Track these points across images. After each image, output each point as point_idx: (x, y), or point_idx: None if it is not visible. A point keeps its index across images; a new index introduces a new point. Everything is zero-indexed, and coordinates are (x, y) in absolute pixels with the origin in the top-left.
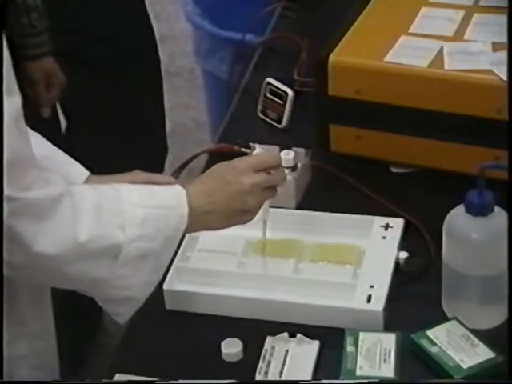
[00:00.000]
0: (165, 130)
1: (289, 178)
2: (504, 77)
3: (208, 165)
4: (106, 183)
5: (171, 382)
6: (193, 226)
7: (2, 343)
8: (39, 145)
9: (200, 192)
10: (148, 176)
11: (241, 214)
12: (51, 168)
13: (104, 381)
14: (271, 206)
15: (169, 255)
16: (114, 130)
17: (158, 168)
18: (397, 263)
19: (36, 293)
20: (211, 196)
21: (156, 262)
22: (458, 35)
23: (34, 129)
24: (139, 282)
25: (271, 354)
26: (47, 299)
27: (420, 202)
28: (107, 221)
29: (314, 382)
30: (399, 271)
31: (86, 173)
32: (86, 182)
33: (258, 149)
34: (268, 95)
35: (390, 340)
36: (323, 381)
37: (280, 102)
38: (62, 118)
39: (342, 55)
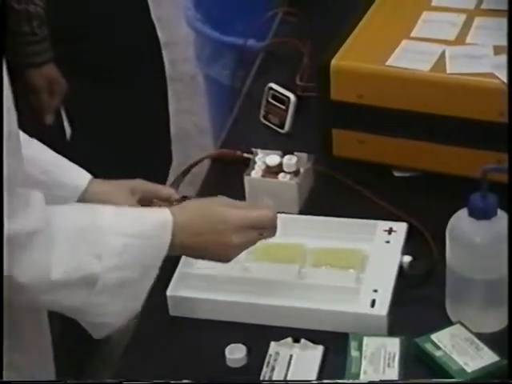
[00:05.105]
0: (169, 137)
1: (291, 182)
2: (506, 80)
3: (210, 170)
4: (106, 189)
5: (172, 382)
6: (171, 253)
7: (2, 344)
8: (41, 152)
9: (187, 228)
10: (149, 187)
11: (220, 258)
12: (54, 175)
13: (101, 381)
14: None
15: (148, 282)
16: (119, 137)
17: (162, 174)
18: (400, 267)
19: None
20: (197, 236)
21: (134, 289)
22: (460, 39)
23: (39, 136)
24: (116, 309)
25: (275, 360)
26: (44, 315)
27: (423, 206)
28: (84, 251)
29: (315, 382)
30: (403, 275)
31: (88, 177)
32: (89, 186)
33: (261, 154)
34: (270, 100)
35: (394, 344)
36: (324, 380)
37: (282, 106)
38: (66, 125)
39: (344, 60)
